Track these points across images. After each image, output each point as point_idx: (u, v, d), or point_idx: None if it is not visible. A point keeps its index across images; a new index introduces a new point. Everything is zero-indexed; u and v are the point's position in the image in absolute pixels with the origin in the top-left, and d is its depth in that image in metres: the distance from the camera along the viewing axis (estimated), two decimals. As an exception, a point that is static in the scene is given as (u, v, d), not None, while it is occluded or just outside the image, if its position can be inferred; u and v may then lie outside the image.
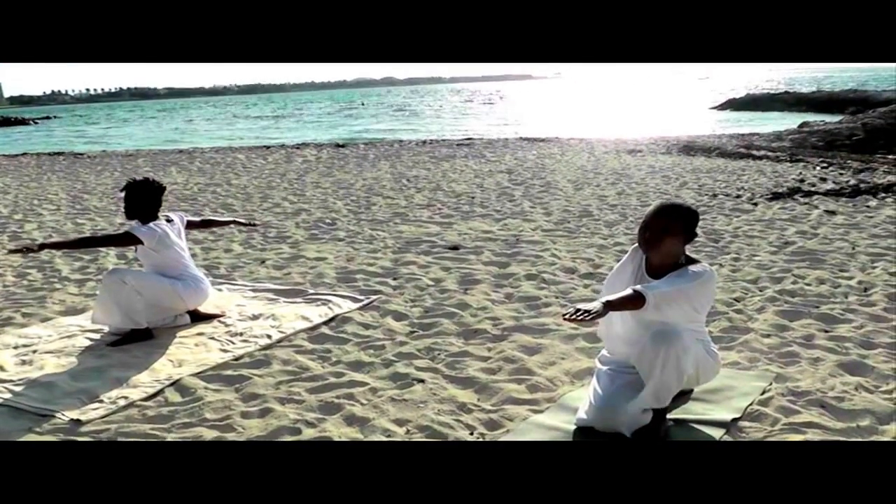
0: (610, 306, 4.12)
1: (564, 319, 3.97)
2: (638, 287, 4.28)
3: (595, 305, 4.05)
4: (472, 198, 14.01)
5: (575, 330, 6.38)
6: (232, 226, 7.84)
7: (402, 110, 73.96)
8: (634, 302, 4.23)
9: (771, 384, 5.26)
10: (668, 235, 4.51)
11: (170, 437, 4.78)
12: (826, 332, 6.32)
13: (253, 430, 4.83)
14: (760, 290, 7.50)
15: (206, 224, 7.59)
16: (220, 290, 7.81)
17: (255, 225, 8.00)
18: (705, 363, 4.66)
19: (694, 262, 4.60)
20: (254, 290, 7.92)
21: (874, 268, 8.24)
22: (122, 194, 6.74)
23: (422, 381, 5.51)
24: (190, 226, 7.18)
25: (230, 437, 4.75)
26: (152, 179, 6.79)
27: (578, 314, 3.98)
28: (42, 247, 6.32)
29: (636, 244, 4.76)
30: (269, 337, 6.49)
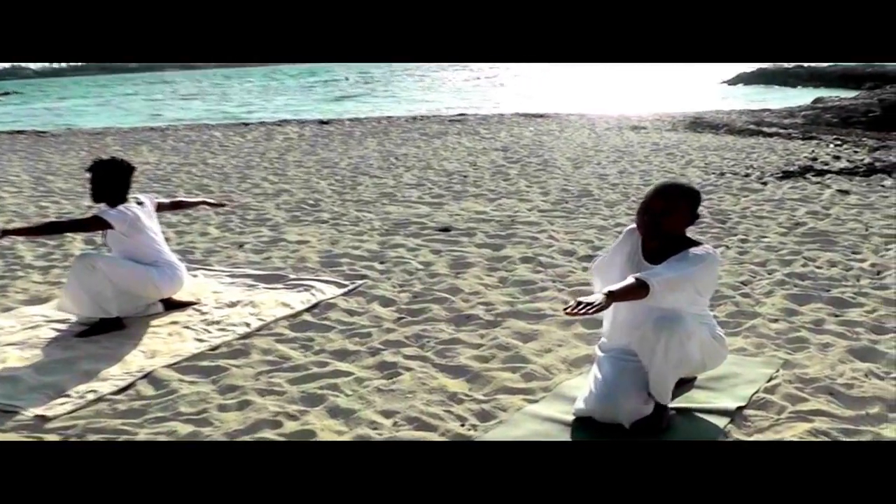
0: (613, 297, 4.12)
1: (566, 313, 4.00)
2: (640, 275, 4.28)
3: (597, 297, 4.05)
4: (465, 177, 14.03)
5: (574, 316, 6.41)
6: (203, 207, 7.84)
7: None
8: (638, 291, 4.22)
9: (778, 371, 5.31)
10: (669, 217, 4.51)
11: (142, 433, 4.80)
12: (837, 316, 6.37)
13: (231, 423, 4.86)
14: (769, 273, 7.54)
15: (177, 206, 7.59)
16: (195, 276, 7.82)
17: (224, 205, 8.00)
18: (711, 348, 4.67)
19: (695, 243, 4.59)
20: (231, 276, 7.94)
21: (888, 250, 8.29)
22: (88, 175, 6.72)
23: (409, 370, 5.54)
24: (160, 208, 7.16)
25: (206, 431, 4.77)
26: (121, 159, 6.78)
27: (580, 307, 3.99)
28: (5, 233, 6.32)
29: (631, 226, 4.77)
30: (247, 325, 6.51)
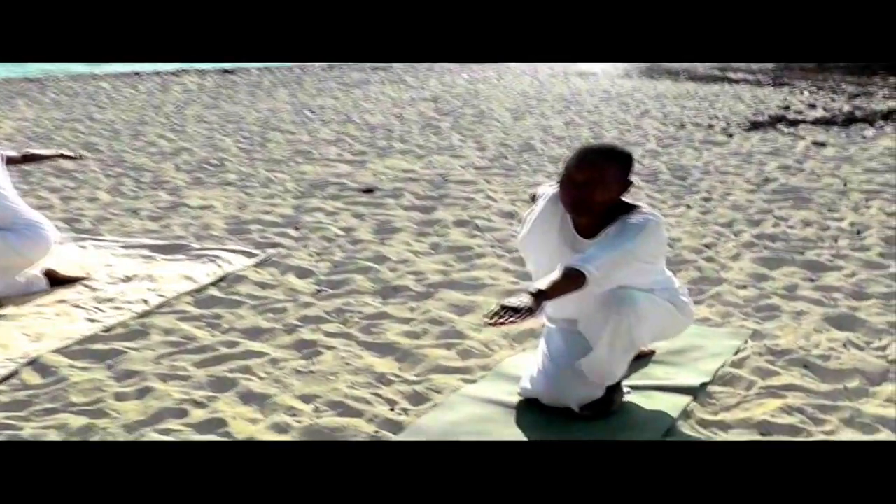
0: (544, 296, 4.02)
1: (487, 324, 3.88)
2: (573, 262, 4.17)
3: (524, 301, 3.94)
4: (390, 131, 14.04)
5: (515, 285, 6.48)
6: (58, 159, 7.63)
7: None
8: (573, 282, 4.11)
9: (746, 342, 5.42)
10: (598, 190, 4.34)
11: (28, 428, 4.77)
12: (812, 281, 6.51)
13: (130, 414, 4.84)
14: (735, 235, 7.68)
15: (29, 159, 7.32)
16: (83, 247, 7.77)
17: (81, 157, 7.88)
18: (669, 320, 4.66)
19: (631, 208, 4.48)
20: (126, 247, 7.89)
21: (868, 207, 8.47)
22: None
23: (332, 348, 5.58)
24: (9, 162, 6.98)
25: (102, 423, 4.75)
26: None
27: (505, 315, 3.89)
28: None
29: (553, 190, 4.66)
30: (146, 302, 6.49)
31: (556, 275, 4.13)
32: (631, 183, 4.47)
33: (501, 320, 3.85)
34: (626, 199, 4.51)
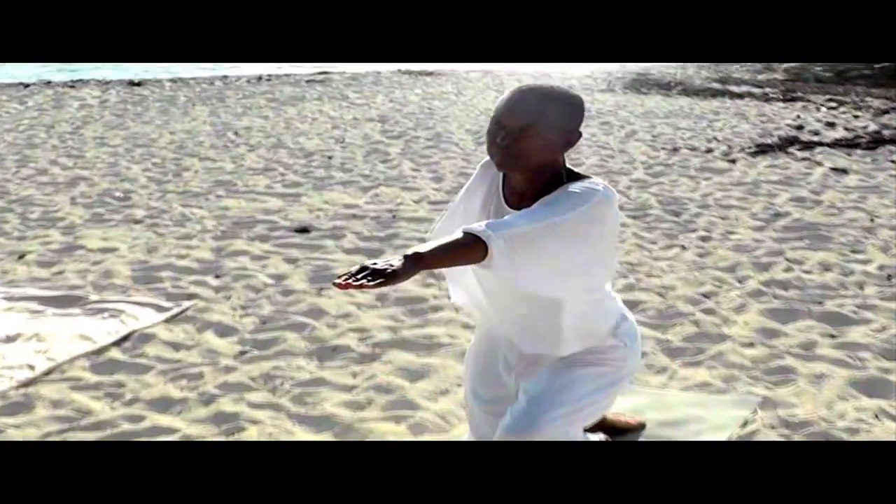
0: (421, 262, 3.45)
1: (335, 285, 3.30)
2: (475, 227, 3.62)
3: (394, 262, 3.41)
4: (329, 158, 14.02)
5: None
6: None
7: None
8: (469, 251, 3.56)
9: (755, 412, 5.39)
10: (532, 138, 3.89)
11: None
12: (833, 337, 6.51)
13: None
14: (740, 282, 7.67)
15: None
16: (-43, 299, 7.71)
17: None
18: (603, 405, 4.32)
19: (577, 177, 4.05)
20: (8, 298, 7.81)
21: (900, 247, 8.50)
22: None
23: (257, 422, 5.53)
24: None
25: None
26: None
27: (360, 276, 3.34)
28: None
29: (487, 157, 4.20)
30: (31, 367, 6.41)
31: (446, 238, 3.60)
32: (578, 135, 4.07)
33: (356, 282, 3.31)
34: (575, 169, 4.14)
